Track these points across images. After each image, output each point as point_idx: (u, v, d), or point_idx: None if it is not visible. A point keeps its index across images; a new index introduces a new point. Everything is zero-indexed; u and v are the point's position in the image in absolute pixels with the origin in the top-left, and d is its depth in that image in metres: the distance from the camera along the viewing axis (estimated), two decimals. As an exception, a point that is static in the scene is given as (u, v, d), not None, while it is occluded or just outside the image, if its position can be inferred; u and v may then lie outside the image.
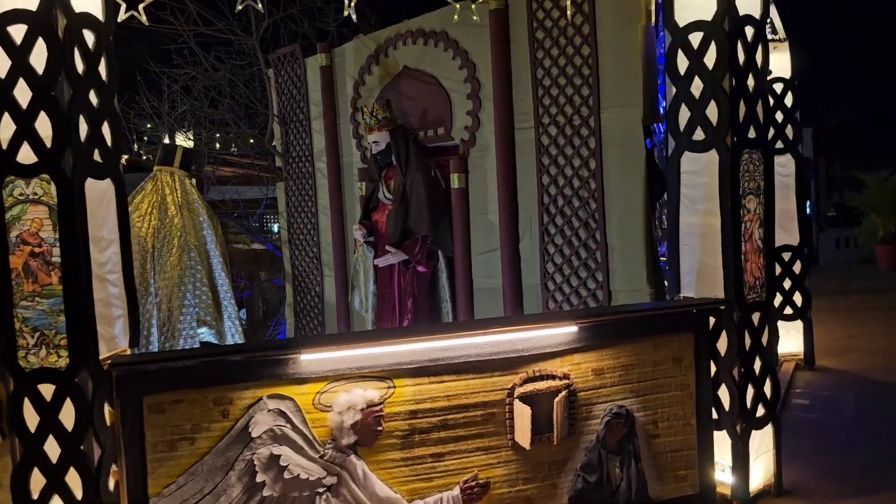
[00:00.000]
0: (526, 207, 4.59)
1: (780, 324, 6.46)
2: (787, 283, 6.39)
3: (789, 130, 6.35)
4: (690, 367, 3.69)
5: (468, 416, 3.43)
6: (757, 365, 3.79)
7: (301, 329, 6.64)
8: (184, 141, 10.18)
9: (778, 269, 6.42)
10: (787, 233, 6.40)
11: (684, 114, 3.77)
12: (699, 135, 3.72)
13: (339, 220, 5.91)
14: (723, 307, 3.68)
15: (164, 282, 4.12)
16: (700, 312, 3.68)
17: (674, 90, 3.82)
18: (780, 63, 6.36)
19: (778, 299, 6.41)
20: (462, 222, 4.94)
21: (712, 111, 3.65)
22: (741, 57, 3.65)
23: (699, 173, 3.75)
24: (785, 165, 6.36)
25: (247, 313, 8.31)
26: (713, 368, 3.73)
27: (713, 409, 3.73)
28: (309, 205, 6.36)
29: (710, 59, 3.62)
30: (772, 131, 6.34)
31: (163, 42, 6.60)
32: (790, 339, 6.53)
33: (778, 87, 6.33)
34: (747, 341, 3.73)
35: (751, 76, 3.72)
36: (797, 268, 6.41)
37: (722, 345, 3.72)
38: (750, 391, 3.75)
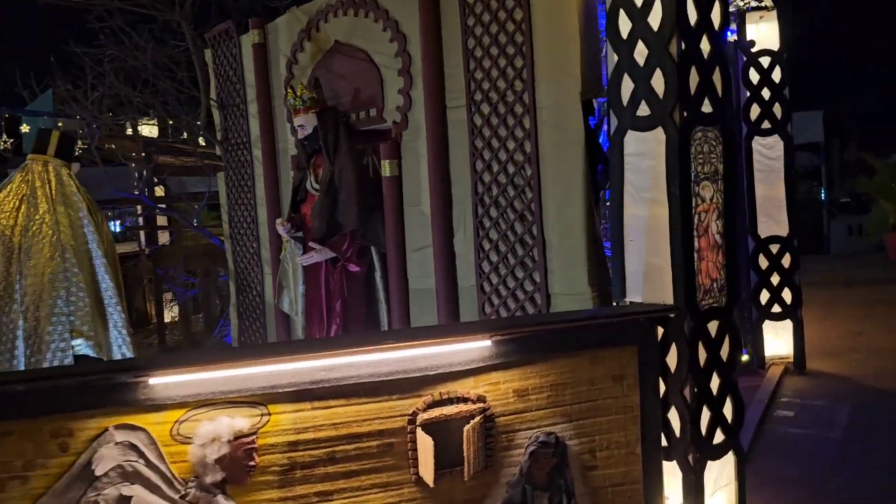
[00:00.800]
0: (460, 198, 4.02)
1: (768, 323, 5.88)
2: (774, 279, 5.82)
3: (777, 109, 5.75)
4: (634, 385, 3.13)
5: (361, 448, 2.89)
6: (714, 383, 3.22)
7: (244, 332, 6.12)
8: (146, 130, 9.68)
9: (764, 263, 5.85)
10: (775, 222, 5.82)
11: (627, 85, 3.20)
12: (644, 110, 3.15)
13: (276, 212, 5.37)
14: (671, 315, 3.10)
15: (31, 287, 3.60)
16: (644, 321, 3.10)
17: (616, 57, 3.24)
18: (768, 35, 5.74)
19: (765, 296, 5.84)
20: (395, 215, 4.38)
21: (658, 81, 3.06)
22: (692, 16, 3.07)
23: (645, 156, 3.18)
24: (772, 148, 5.77)
25: (204, 312, 7.82)
26: (662, 387, 3.15)
27: (662, 436, 3.16)
28: (248, 196, 5.82)
29: (655, 18, 3.04)
30: (757, 110, 5.76)
31: (88, 21, 6.04)
32: (779, 340, 5.93)
33: (765, 62, 5.73)
34: (702, 355, 3.15)
35: (705, 39, 3.13)
36: (786, 261, 5.82)
37: (673, 359, 3.15)
38: (706, 414, 3.17)
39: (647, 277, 3.21)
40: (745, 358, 6.09)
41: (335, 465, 2.85)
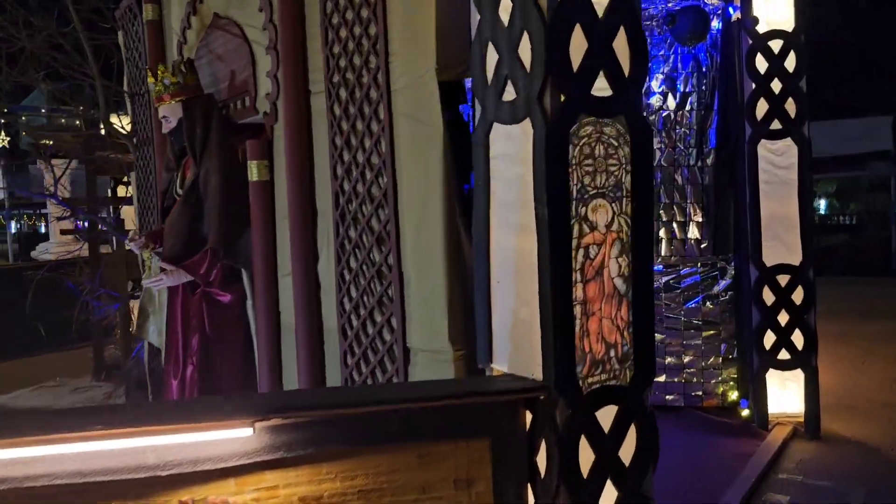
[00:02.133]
0: (325, 211, 3.09)
1: (774, 373, 4.74)
2: (782, 318, 4.68)
3: (791, 106, 4.62)
4: (487, 494, 2.17)
5: (57, 582, 1.99)
6: (609, 498, 2.20)
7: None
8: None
9: (771, 298, 4.72)
10: (786, 247, 4.70)
11: (493, 58, 2.22)
12: (510, 92, 2.16)
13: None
14: (542, 396, 2.12)
15: None
16: (498, 405, 2.12)
17: (478, 17, 2.28)
18: (779, 11, 4.61)
19: (770, 339, 4.71)
20: (263, 230, 3.47)
21: (527, 50, 2.08)
22: (576, -48, 2.07)
23: (513, 159, 2.21)
24: (783, 154, 4.66)
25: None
26: (531, 500, 2.17)
27: (529, 570, 2.18)
28: (153, 198, 5.02)
29: (522, -43, 2.06)
30: (764, 107, 4.65)
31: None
32: (787, 393, 4.78)
33: (776, 46, 4.61)
34: (585, 456, 2.14)
35: (601, -13, 2.13)
36: (798, 296, 4.67)
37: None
38: (594, 543, 2.16)
39: (515, 337, 2.22)
40: (744, 413, 4.97)
41: None
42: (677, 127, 5.10)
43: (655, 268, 5.21)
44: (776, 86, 4.63)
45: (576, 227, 2.10)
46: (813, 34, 4.75)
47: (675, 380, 5.22)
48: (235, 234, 3.62)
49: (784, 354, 4.72)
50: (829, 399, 5.33)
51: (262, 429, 2.02)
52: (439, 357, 2.54)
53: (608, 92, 2.15)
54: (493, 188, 2.28)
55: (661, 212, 5.20)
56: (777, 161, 4.68)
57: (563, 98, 2.07)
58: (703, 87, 5.05)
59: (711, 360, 5.17)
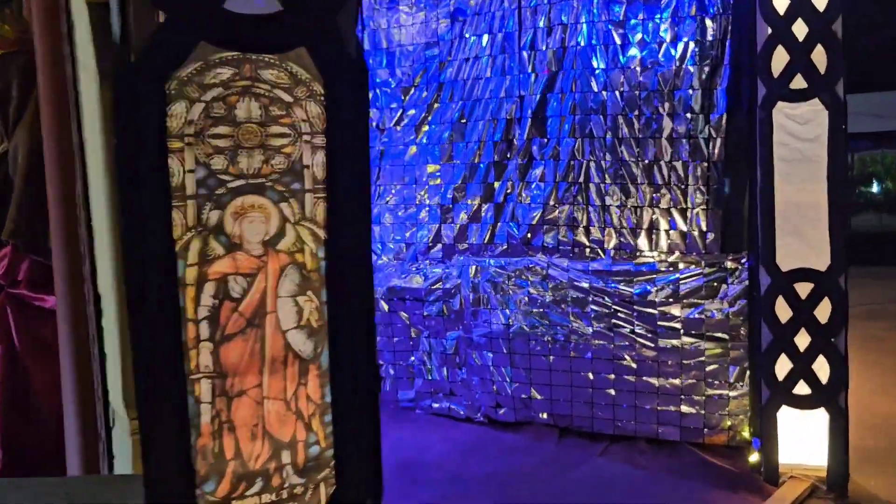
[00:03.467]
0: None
1: (787, 413, 3.64)
2: (801, 340, 3.57)
3: (820, 57, 3.47)
4: None
5: None
6: None
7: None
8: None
9: (787, 313, 3.60)
10: (809, 246, 3.61)
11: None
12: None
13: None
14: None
15: None
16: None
17: None
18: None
19: (784, 366, 3.61)
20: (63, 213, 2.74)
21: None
22: None
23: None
24: (808, 122, 3.55)
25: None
26: None
27: None
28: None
29: None
30: (783, 58, 3.52)
31: None
32: (806, 438, 3.65)
33: (800, -23, 3.45)
34: None
35: None
36: (823, 312, 3.54)
37: None
38: None
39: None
40: (752, 460, 3.87)
41: None
42: (677, 88, 3.99)
43: (647, 266, 4.15)
44: (800, 29, 3.46)
45: (195, 246, 1.22)
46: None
47: (671, 408, 4.16)
48: (46, 225, 2.90)
49: (802, 388, 3.59)
50: (876, 441, 4.14)
51: None
52: (124, 424, 1.72)
53: (274, 7, 1.24)
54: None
55: (658, 196, 4.13)
56: (799, 131, 3.52)
57: (159, 17, 1.18)
58: (711, 37, 3.92)
59: (717, 385, 4.08)
